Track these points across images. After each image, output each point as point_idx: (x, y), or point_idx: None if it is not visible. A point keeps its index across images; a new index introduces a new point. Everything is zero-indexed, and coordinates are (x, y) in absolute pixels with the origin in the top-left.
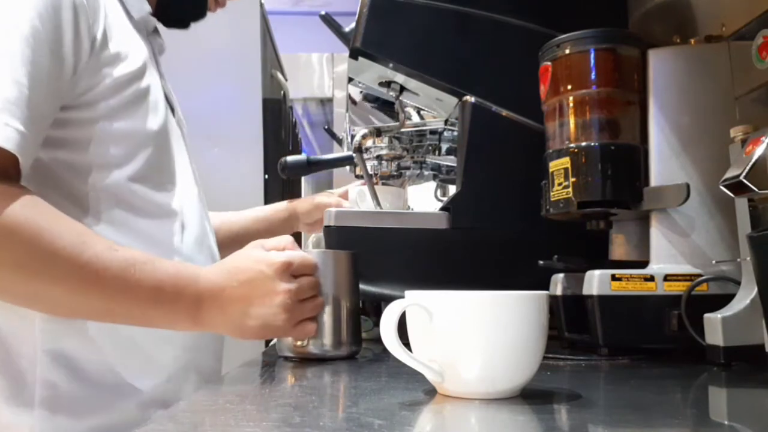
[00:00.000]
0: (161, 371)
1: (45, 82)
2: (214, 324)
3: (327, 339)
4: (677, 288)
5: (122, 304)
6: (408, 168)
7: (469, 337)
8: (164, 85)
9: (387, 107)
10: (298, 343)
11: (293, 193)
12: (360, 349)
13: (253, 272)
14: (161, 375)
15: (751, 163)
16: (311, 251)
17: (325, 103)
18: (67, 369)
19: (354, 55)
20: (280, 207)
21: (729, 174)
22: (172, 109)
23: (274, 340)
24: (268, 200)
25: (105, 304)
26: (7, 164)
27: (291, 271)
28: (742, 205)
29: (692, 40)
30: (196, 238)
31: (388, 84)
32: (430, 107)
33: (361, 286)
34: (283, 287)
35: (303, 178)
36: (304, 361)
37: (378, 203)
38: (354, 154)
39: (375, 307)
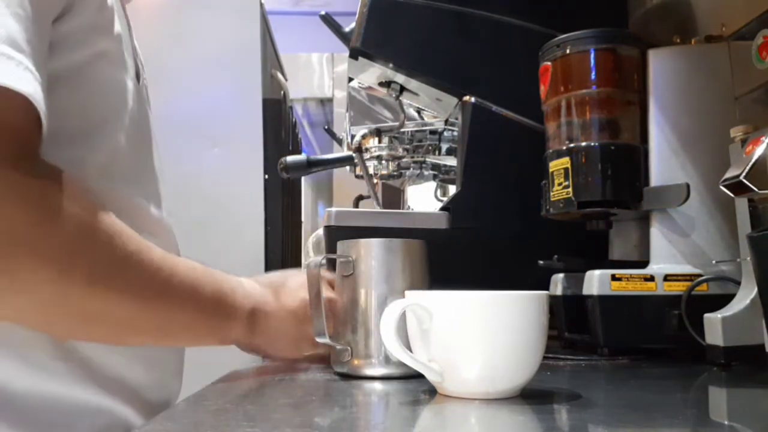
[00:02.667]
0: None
1: (39, 19)
2: (263, 330)
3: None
4: (677, 288)
5: (187, 314)
6: (408, 168)
7: (469, 337)
8: (132, 38)
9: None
10: (356, 362)
11: (293, 193)
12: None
13: (298, 298)
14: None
15: (751, 163)
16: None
17: (325, 103)
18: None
19: (354, 55)
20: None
21: (729, 174)
22: (137, 75)
23: None
24: (268, 200)
25: (169, 317)
26: (31, 125)
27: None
28: (742, 205)
29: (692, 40)
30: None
31: (388, 84)
32: (430, 107)
33: None
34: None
35: (303, 178)
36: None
37: (378, 202)
38: (354, 154)
39: None
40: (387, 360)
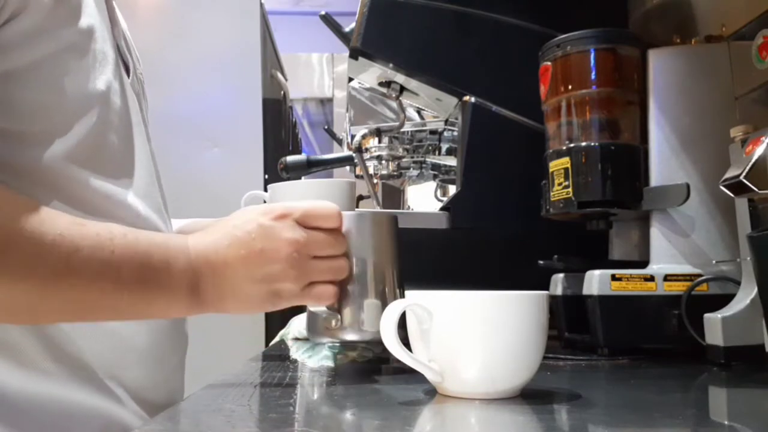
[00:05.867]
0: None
1: None
2: (217, 297)
3: (366, 318)
4: (677, 288)
5: (104, 294)
6: (408, 168)
7: (469, 337)
8: (118, 33)
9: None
10: (333, 323)
11: None
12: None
13: (250, 225)
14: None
15: (751, 163)
16: (344, 214)
17: (325, 103)
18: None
19: (354, 55)
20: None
21: (729, 174)
22: (127, 69)
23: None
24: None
25: (81, 297)
26: None
27: (297, 220)
28: (742, 205)
29: (692, 40)
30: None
31: (388, 84)
32: (430, 107)
33: None
34: (287, 236)
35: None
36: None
37: (378, 202)
38: (354, 154)
39: None
40: (360, 326)
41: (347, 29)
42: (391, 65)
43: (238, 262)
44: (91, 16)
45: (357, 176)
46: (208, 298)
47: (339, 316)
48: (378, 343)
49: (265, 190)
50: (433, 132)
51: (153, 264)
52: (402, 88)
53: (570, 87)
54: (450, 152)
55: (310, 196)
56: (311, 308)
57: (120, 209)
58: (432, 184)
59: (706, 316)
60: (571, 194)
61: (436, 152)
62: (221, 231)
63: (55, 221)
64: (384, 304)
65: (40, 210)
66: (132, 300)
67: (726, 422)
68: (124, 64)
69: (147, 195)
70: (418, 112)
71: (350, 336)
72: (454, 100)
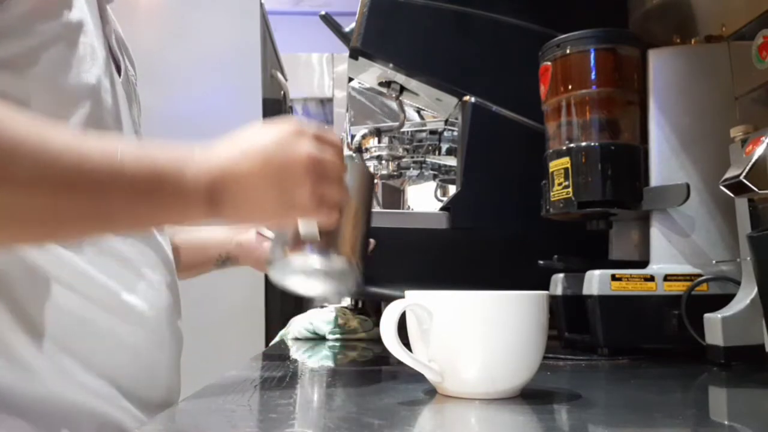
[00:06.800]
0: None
1: None
2: (231, 203)
3: (338, 250)
4: (677, 288)
5: (119, 200)
6: (408, 168)
7: (469, 337)
8: (109, 32)
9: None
10: (310, 249)
11: None
12: (362, 283)
13: (267, 137)
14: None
15: (751, 163)
16: None
17: (325, 103)
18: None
19: (354, 55)
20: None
21: (729, 174)
22: (118, 68)
23: (276, 339)
24: None
25: (95, 204)
26: None
27: (313, 136)
28: (742, 205)
29: (692, 40)
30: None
31: (388, 84)
32: (430, 107)
33: (362, 287)
34: (306, 148)
35: None
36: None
37: (378, 202)
38: (354, 154)
39: (375, 307)
40: (333, 256)
41: (347, 29)
42: (391, 65)
43: (255, 168)
44: (80, 10)
45: None
46: (224, 203)
47: (319, 240)
48: (344, 274)
49: None
50: (433, 132)
51: (165, 170)
52: (402, 88)
53: (570, 87)
54: (450, 152)
55: None
56: (302, 228)
57: None
58: (432, 184)
59: (706, 316)
60: (571, 194)
61: (436, 152)
62: (234, 141)
63: (60, 133)
64: (361, 246)
65: (44, 123)
66: (149, 206)
67: (726, 422)
68: (114, 63)
69: None
70: (418, 112)
71: (320, 264)
72: (454, 100)
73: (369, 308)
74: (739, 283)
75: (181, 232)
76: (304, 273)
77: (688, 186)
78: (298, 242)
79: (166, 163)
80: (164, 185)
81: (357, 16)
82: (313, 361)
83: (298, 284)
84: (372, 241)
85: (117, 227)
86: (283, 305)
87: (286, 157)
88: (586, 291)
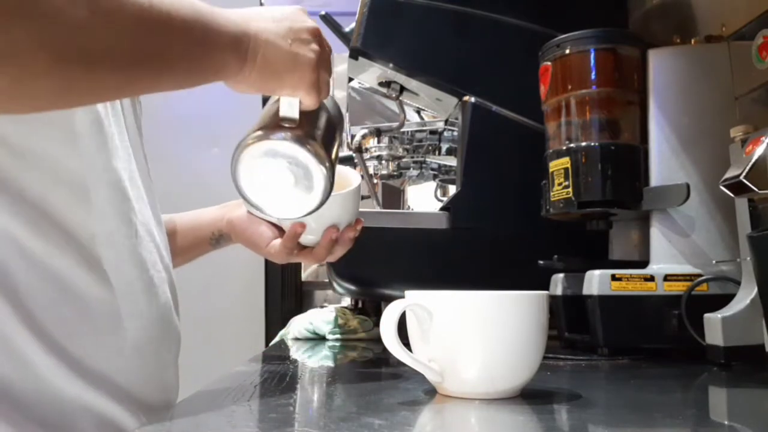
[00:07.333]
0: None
1: None
2: (252, 53)
3: (312, 143)
4: (677, 288)
5: (158, 38)
6: (408, 168)
7: (469, 337)
8: None
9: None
10: (284, 117)
11: None
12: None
13: (273, 10)
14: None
15: (751, 163)
16: None
17: None
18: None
19: (354, 55)
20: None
21: (729, 174)
22: None
23: (276, 339)
24: None
25: (163, 41)
26: None
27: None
28: (742, 205)
29: (692, 40)
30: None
31: (388, 84)
32: (430, 107)
33: (362, 287)
34: (310, 21)
35: None
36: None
37: (378, 202)
38: (354, 154)
39: (375, 307)
40: (311, 139)
41: (347, 29)
42: (391, 65)
43: (270, 25)
44: None
45: None
46: (251, 53)
47: (298, 121)
48: (311, 173)
49: None
50: (433, 132)
51: (201, 10)
52: (402, 88)
53: (570, 87)
54: (450, 152)
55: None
56: (283, 107)
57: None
58: (432, 184)
59: (706, 316)
60: (571, 194)
61: (436, 152)
62: (254, 9)
63: None
64: (333, 157)
65: None
66: (202, 50)
67: (726, 422)
68: None
69: (131, 178)
70: (418, 112)
71: (291, 149)
72: (454, 100)
73: (369, 308)
74: (739, 283)
75: (174, 216)
76: (271, 156)
77: (688, 186)
78: (276, 123)
79: (207, 13)
80: (206, 30)
81: (357, 16)
82: (313, 361)
83: (262, 179)
84: (361, 220)
85: (173, 74)
86: (283, 305)
87: (295, 20)
88: (586, 291)
